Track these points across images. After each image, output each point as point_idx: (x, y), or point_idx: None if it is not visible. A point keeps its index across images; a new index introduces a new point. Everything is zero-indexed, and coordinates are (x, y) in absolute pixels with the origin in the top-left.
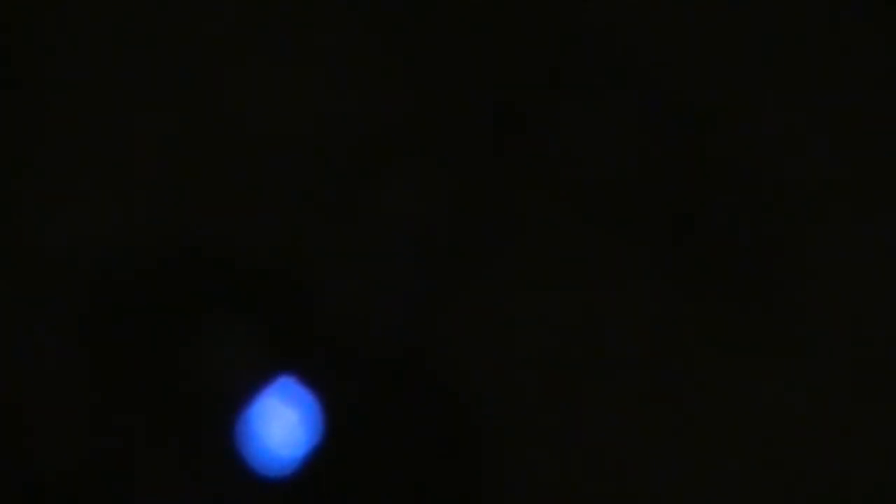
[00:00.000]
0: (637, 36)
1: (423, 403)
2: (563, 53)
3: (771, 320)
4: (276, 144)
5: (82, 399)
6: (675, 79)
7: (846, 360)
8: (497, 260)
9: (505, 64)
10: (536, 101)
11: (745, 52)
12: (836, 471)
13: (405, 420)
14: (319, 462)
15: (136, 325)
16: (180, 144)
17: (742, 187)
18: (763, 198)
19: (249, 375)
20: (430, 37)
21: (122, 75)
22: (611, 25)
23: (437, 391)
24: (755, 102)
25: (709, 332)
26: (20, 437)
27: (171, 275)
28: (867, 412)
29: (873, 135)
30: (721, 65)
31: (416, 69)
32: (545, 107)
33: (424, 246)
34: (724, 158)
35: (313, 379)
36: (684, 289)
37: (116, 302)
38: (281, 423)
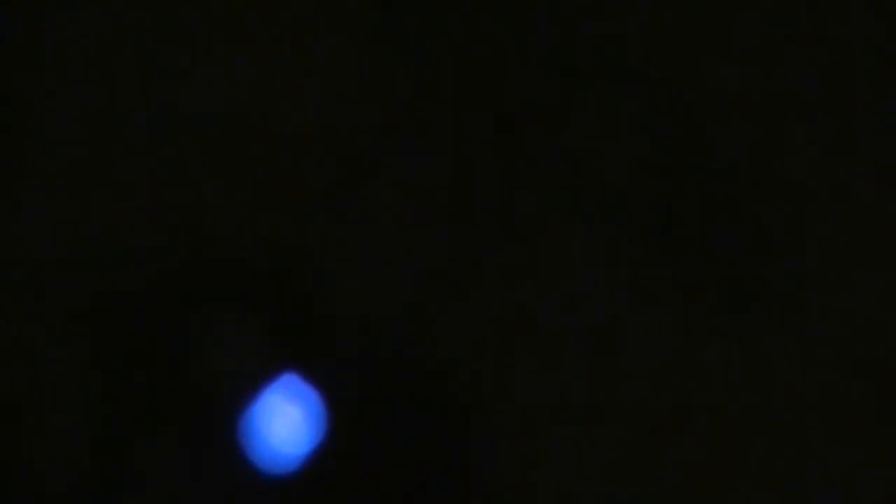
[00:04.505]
0: (637, 36)
1: (423, 401)
2: (563, 53)
3: (770, 314)
4: (276, 144)
5: (82, 399)
6: (674, 78)
7: (845, 357)
8: (497, 258)
9: (504, 64)
10: (536, 101)
11: (745, 52)
12: (833, 462)
13: (407, 417)
14: (322, 459)
15: (138, 324)
16: (181, 144)
17: (741, 185)
18: (761, 195)
19: (253, 373)
20: (429, 36)
21: (121, 75)
22: (611, 25)
23: (437, 389)
24: (754, 101)
25: (714, 333)
26: (20, 437)
27: (172, 274)
28: (865, 404)
29: (872, 132)
30: (721, 65)
31: (416, 69)
32: (545, 106)
33: (424, 245)
34: (722, 156)
35: (316, 376)
36: (686, 288)
37: (118, 301)
38: (284, 421)
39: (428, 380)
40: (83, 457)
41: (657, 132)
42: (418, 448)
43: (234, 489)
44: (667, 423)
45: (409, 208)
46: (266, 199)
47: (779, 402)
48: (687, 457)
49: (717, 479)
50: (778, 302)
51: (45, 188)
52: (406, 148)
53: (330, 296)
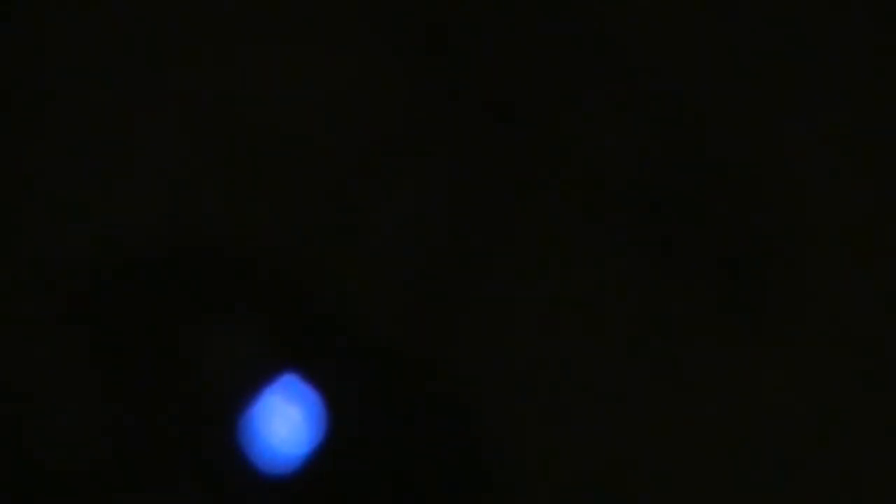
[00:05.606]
0: (637, 36)
1: (424, 401)
2: (564, 54)
3: (770, 314)
4: (276, 145)
5: (83, 399)
6: (675, 78)
7: (842, 356)
8: (497, 259)
9: (505, 64)
10: (536, 101)
11: (745, 52)
12: (830, 459)
13: (407, 418)
14: (322, 459)
15: (138, 324)
16: (182, 145)
17: (741, 185)
18: (761, 195)
19: (252, 373)
20: (430, 37)
21: (121, 76)
22: (611, 25)
23: (437, 389)
24: (754, 100)
25: (712, 333)
26: (20, 437)
27: (173, 274)
28: (863, 402)
29: (871, 132)
30: (720, 64)
31: (417, 69)
32: (545, 107)
33: (425, 245)
34: (723, 155)
35: (316, 376)
36: (688, 289)
37: (118, 301)
38: (284, 421)
39: (428, 380)
40: (83, 457)
41: (658, 132)
42: (418, 448)
43: (234, 489)
44: (668, 423)
45: (409, 209)
46: (266, 200)
47: (777, 402)
48: (688, 458)
49: (719, 481)
50: (777, 301)
51: (45, 188)
52: (406, 148)
53: (330, 296)
